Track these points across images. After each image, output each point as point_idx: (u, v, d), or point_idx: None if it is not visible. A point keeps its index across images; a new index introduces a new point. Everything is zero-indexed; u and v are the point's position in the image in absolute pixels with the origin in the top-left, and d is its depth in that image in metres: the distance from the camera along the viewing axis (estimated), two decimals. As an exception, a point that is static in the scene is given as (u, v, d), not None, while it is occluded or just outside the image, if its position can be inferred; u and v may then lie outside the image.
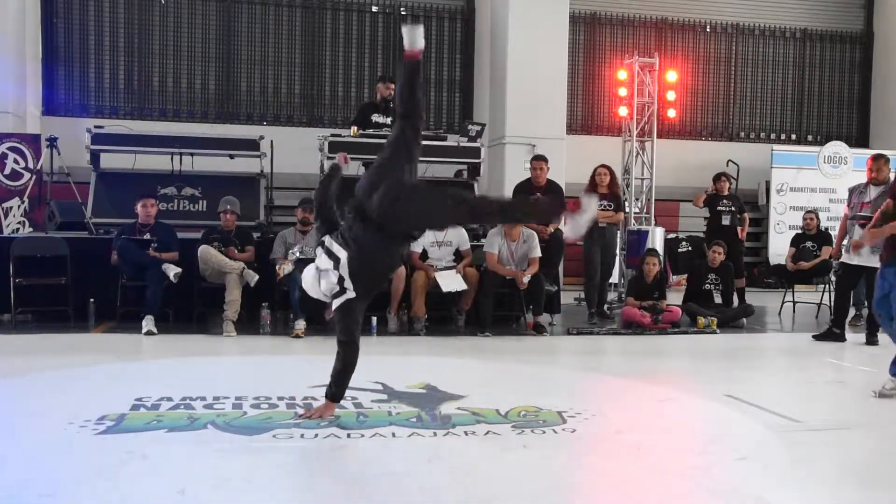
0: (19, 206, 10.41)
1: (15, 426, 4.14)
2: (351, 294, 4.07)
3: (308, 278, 4.25)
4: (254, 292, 7.38)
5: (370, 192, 4.03)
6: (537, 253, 7.76)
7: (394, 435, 4.01)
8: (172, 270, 7.14)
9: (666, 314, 8.12)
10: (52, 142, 8.88)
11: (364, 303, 4.20)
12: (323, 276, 4.13)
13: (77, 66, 12.91)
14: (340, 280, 4.06)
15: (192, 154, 8.84)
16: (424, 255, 7.66)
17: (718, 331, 8.08)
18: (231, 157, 9.00)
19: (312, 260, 7.42)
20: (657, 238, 10.26)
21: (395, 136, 4.27)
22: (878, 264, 7.28)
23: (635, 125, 10.84)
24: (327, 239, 4.20)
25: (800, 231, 10.38)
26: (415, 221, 4.22)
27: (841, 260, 7.77)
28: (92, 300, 7.76)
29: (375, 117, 8.83)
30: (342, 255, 4.06)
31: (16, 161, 10.57)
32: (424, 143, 8.91)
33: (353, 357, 4.18)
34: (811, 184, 14.00)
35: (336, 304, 4.12)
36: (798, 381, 5.94)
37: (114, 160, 9.04)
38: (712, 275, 8.81)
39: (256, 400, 4.60)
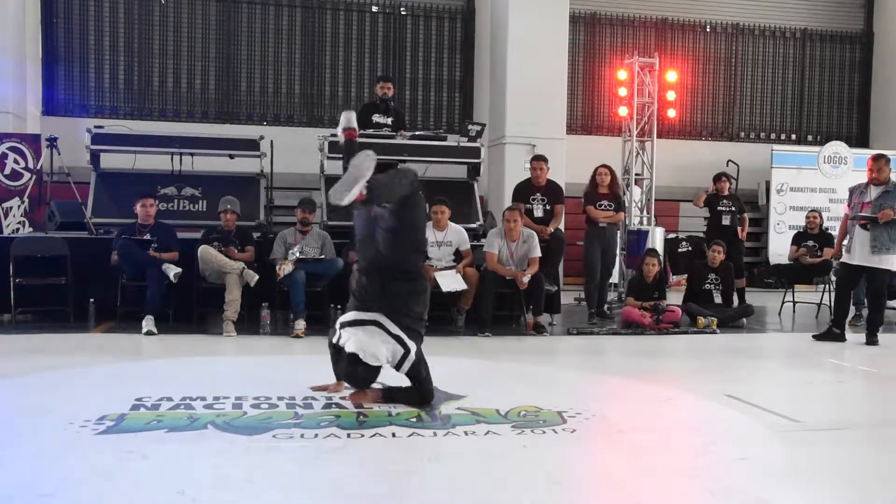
0: (19, 206, 10.41)
1: (15, 426, 4.13)
2: (413, 347, 4.38)
3: (368, 354, 4.33)
4: (254, 292, 7.38)
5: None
6: (537, 253, 7.76)
7: (394, 435, 4.00)
8: (172, 270, 7.14)
9: (666, 314, 8.13)
10: (52, 142, 8.87)
11: (421, 339, 4.54)
12: (382, 344, 4.32)
13: (77, 66, 12.93)
14: (397, 338, 4.33)
15: (192, 154, 8.85)
16: (424, 255, 7.64)
17: (718, 331, 8.09)
18: (231, 157, 9.01)
19: (312, 260, 7.48)
20: (657, 238, 10.26)
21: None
22: (878, 265, 7.32)
23: (635, 125, 10.84)
24: (347, 318, 4.42)
25: (801, 230, 10.39)
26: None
27: (841, 260, 7.77)
28: (92, 300, 7.78)
29: (376, 117, 8.84)
30: (378, 317, 4.34)
31: (16, 161, 10.58)
32: (425, 143, 9.03)
33: (430, 399, 4.48)
34: (811, 184, 14.01)
35: (407, 366, 4.37)
36: (798, 381, 5.93)
37: (114, 160, 9.05)
38: (712, 275, 8.82)
39: (256, 400, 4.59)
